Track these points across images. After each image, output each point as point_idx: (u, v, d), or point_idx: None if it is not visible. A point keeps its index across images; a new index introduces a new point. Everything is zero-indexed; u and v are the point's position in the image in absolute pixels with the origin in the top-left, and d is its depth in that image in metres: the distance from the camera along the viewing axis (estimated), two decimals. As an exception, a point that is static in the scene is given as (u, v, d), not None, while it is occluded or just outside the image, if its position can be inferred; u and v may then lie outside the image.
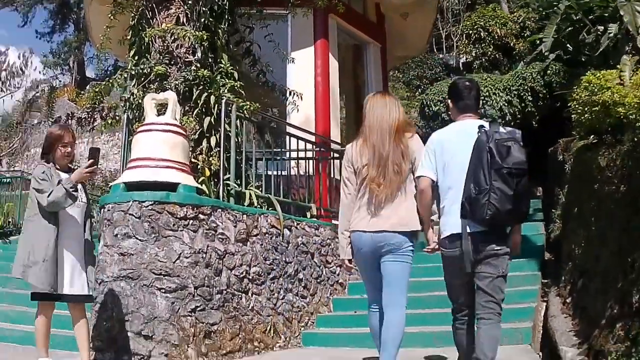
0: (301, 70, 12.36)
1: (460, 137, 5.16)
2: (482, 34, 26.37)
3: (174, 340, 6.79)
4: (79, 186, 6.16)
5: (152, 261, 6.97)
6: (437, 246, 5.30)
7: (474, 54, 26.80)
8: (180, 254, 7.09)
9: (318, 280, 9.36)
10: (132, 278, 6.94)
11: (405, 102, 23.05)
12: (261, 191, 9.08)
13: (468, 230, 4.89)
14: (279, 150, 10.65)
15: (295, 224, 9.14)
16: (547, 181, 13.94)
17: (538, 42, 11.56)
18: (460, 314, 5.20)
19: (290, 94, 11.41)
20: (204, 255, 7.33)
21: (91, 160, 6.08)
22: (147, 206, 7.09)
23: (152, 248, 7.01)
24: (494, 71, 24.50)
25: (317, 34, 12.75)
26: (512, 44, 25.58)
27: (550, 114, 18.72)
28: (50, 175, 5.99)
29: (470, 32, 26.90)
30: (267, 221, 8.53)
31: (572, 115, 8.19)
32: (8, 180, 18.07)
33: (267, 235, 8.47)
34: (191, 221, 7.28)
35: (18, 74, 45.00)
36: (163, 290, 6.90)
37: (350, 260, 5.55)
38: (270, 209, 8.95)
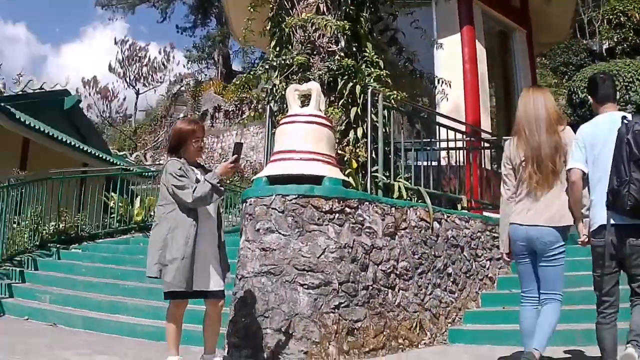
0: (448, 58, 11.85)
1: (606, 129, 5.13)
2: (621, 19, 25.23)
3: (314, 338, 6.38)
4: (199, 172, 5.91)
5: (295, 256, 6.57)
6: (587, 239, 5.28)
7: (615, 40, 26.12)
8: (325, 248, 6.65)
9: (467, 275, 8.73)
10: (273, 274, 6.58)
11: (553, 90, 22.11)
12: (410, 183, 8.56)
13: (612, 222, 4.88)
14: (428, 140, 10.06)
15: (445, 216, 8.54)
16: None
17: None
18: (604, 308, 5.06)
19: (438, 82, 10.72)
20: (350, 250, 6.86)
21: (235, 156, 5.75)
22: (291, 200, 6.71)
23: (296, 243, 6.61)
24: (635, 57, 23.44)
25: (463, 20, 12.24)
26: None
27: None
28: (186, 171, 5.70)
29: (611, 17, 25.88)
30: (416, 214, 7.98)
31: None
32: (152, 174, 18.16)
33: (415, 228, 7.92)
34: (337, 215, 6.83)
35: (160, 69, 46.20)
36: (306, 287, 6.50)
37: (508, 254, 5.72)
38: (419, 201, 8.42)
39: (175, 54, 54.11)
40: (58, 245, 12.65)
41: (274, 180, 6.91)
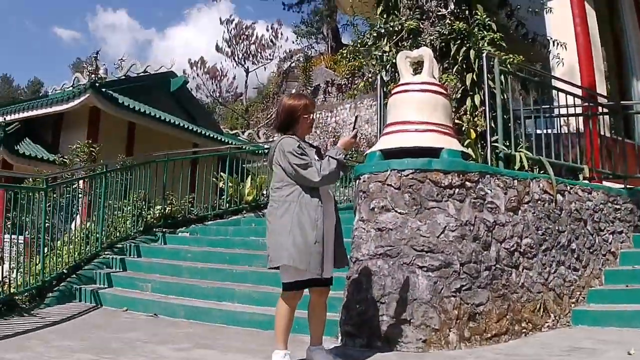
0: (559, 20, 10.48)
1: None
2: None
3: (434, 325, 5.41)
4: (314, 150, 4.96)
5: (414, 236, 5.57)
6: None
7: None
8: (445, 227, 5.63)
9: (590, 251, 7.53)
10: (390, 256, 5.60)
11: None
12: (531, 153, 7.37)
13: None
14: (547, 107, 8.82)
15: (568, 188, 7.35)
16: None
17: None
18: None
19: (553, 44, 9.37)
20: (471, 228, 5.81)
21: (356, 130, 4.96)
22: (407, 175, 5.70)
23: (414, 222, 5.61)
24: None
25: (570, -21, 10.80)
26: None
27: None
28: (304, 148, 4.78)
29: None
30: (539, 186, 6.83)
31: None
32: (264, 151, 16.99)
33: (539, 202, 6.77)
34: (457, 190, 5.78)
35: (269, 46, 45.37)
36: (425, 269, 5.51)
37: None
38: (541, 172, 7.29)
39: (283, 31, 53.28)
40: (164, 230, 11.53)
41: (388, 154, 5.94)
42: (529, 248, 6.44)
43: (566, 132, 8.56)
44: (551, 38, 9.53)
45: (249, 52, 45.62)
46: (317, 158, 4.79)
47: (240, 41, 45.50)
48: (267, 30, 46.47)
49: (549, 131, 8.25)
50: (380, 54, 8.14)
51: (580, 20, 10.90)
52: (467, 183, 5.85)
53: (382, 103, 7.88)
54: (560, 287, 6.85)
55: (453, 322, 5.48)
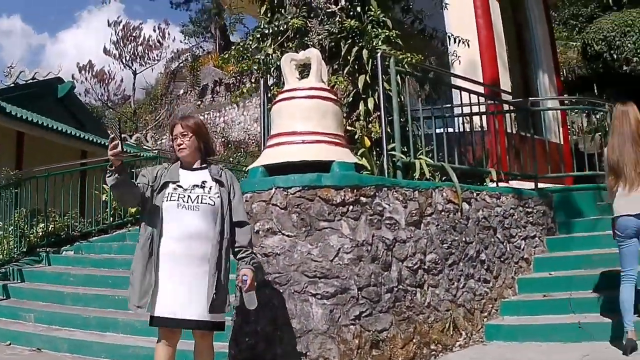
0: (459, 14, 10.56)
1: None
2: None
3: (333, 357, 5.21)
4: (206, 177, 4.66)
5: (304, 261, 5.35)
6: None
7: None
8: (339, 249, 5.41)
9: (502, 259, 7.54)
10: (279, 283, 5.39)
11: (562, 43, 20.85)
12: (432, 159, 7.29)
13: None
14: (449, 106, 8.77)
15: (475, 195, 7.31)
16: None
17: None
18: None
19: (455, 40, 9.30)
20: (369, 248, 5.63)
21: (113, 137, 4.41)
22: (294, 193, 5.46)
23: (304, 245, 5.39)
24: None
25: (473, -31, 10.89)
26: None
27: None
28: (152, 171, 4.69)
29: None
30: (442, 196, 6.74)
31: None
32: (153, 155, 16.33)
33: (443, 213, 6.68)
34: (351, 207, 5.57)
35: (156, 47, 45.38)
36: (319, 297, 5.29)
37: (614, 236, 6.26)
38: (444, 179, 7.25)
39: (170, 30, 53.15)
40: (48, 249, 11.15)
41: (272, 169, 5.71)
42: (433, 264, 6.34)
43: (470, 133, 8.49)
44: (451, 34, 9.46)
45: (136, 53, 45.33)
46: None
47: (128, 42, 45.12)
48: (155, 30, 46.20)
49: (452, 133, 8.20)
50: (263, 57, 7.88)
51: (483, 13, 11.02)
52: (362, 199, 5.66)
53: (266, 111, 7.63)
54: (471, 302, 6.82)
55: (354, 353, 5.30)
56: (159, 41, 45.26)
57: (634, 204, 6.00)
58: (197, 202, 4.47)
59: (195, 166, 4.70)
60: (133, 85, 46.58)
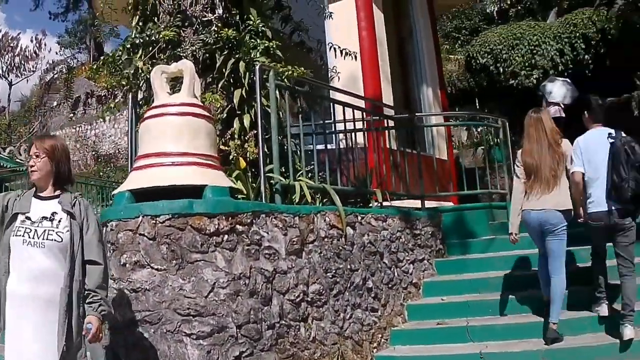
0: (342, 25, 10.52)
1: (596, 140, 6.97)
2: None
3: (212, 404, 4.98)
4: (56, 208, 4.38)
5: (176, 298, 5.11)
6: (585, 219, 7.01)
7: (509, 2, 25.96)
8: (214, 283, 5.20)
9: (389, 286, 7.55)
10: (150, 322, 5.11)
11: (443, 56, 21.37)
12: (313, 180, 7.18)
13: (613, 208, 6.67)
14: (331, 121, 8.69)
15: (359, 218, 7.26)
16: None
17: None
18: (599, 256, 7.06)
19: (341, 52, 9.24)
20: (247, 281, 5.44)
21: None
22: (164, 222, 5.19)
23: (175, 280, 5.14)
24: (527, 19, 23.74)
25: (357, -20, 10.93)
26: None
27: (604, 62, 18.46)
28: (3, 200, 4.40)
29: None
30: (325, 221, 6.63)
31: None
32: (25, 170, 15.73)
33: (326, 239, 6.58)
34: (226, 236, 5.36)
35: (32, 57, 44.83)
36: (194, 336, 5.06)
37: (515, 234, 7.29)
38: (326, 201, 7.18)
39: (48, 41, 52.40)
40: None
41: (140, 195, 5.42)
42: (317, 295, 6.23)
43: (353, 150, 8.41)
44: (337, 45, 9.39)
45: (13, 64, 44.51)
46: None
47: (5, 53, 44.23)
48: (32, 41, 45.60)
49: (335, 151, 8.11)
50: (132, 70, 7.57)
51: (367, 25, 11.06)
52: (238, 227, 5.47)
53: (135, 129, 7.32)
54: (359, 333, 6.77)
55: (235, 398, 5.11)
56: (35, 52, 44.91)
57: (537, 201, 6.98)
58: (43, 238, 4.19)
59: (47, 194, 4.42)
60: (8, 96, 46.58)
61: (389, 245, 7.66)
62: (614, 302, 6.89)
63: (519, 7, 25.10)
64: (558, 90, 12.50)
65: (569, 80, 10.50)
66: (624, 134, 6.84)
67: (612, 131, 6.88)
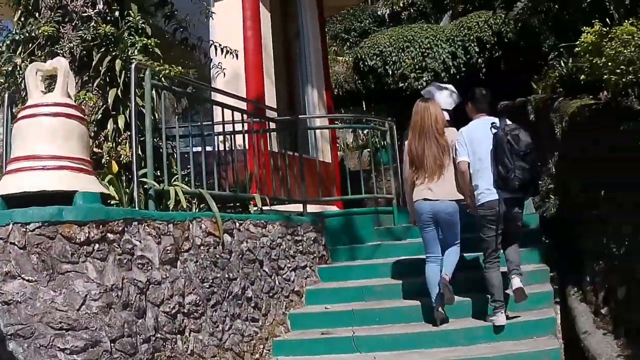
0: (227, 23, 10.51)
1: (479, 131, 7.26)
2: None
3: (83, 421, 4.90)
4: None
5: (48, 311, 4.96)
6: (474, 209, 7.34)
7: (402, 4, 26.18)
8: (86, 296, 5.09)
9: (270, 295, 7.59)
10: (23, 336, 4.92)
11: (331, 57, 21.58)
12: (189, 185, 7.12)
13: (499, 197, 6.95)
14: (209, 123, 8.69)
15: (238, 224, 7.26)
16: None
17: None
18: (493, 257, 7.16)
19: (222, 50, 9.19)
20: (119, 293, 5.35)
21: None
22: (34, 230, 5.03)
23: (46, 292, 5.00)
24: (419, 21, 24.22)
25: (244, -22, 10.95)
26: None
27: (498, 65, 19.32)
28: None
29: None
30: (201, 228, 6.59)
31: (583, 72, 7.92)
32: None
33: (202, 247, 6.54)
34: (97, 246, 5.26)
35: None
36: (68, 352, 4.92)
37: (415, 223, 7.72)
38: (203, 207, 7.16)
39: None
40: None
41: (11, 200, 5.31)
42: (194, 306, 6.20)
43: (232, 153, 8.39)
44: (218, 43, 9.33)
45: None
46: None
47: None
48: None
49: (213, 154, 8.08)
50: (11, 68, 7.35)
51: (252, 24, 11.09)
52: (109, 235, 5.38)
53: (9, 129, 7.11)
54: (239, 345, 6.78)
55: (106, 414, 5.02)
56: None
57: (429, 191, 7.28)
58: None
59: None
60: None
61: (269, 253, 7.69)
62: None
63: (412, 10, 25.47)
64: (439, 96, 12.79)
65: (451, 86, 10.76)
66: (509, 122, 7.12)
67: (496, 120, 7.17)
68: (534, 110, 11.34)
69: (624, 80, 6.84)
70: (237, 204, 8.22)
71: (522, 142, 6.84)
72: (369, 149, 14.96)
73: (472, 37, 19.40)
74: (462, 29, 19.82)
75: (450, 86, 11.59)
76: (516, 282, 6.93)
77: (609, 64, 6.84)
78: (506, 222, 7.04)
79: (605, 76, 7.05)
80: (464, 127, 7.46)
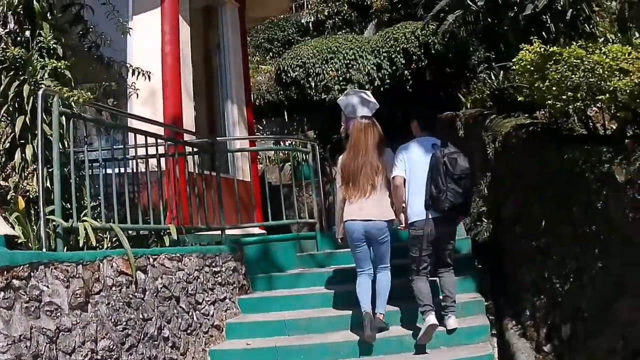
0: (146, 38, 10.41)
1: (420, 149, 7.64)
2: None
3: None
4: None
5: (-55, 370, 4.84)
6: (405, 226, 7.71)
7: (326, 13, 26.39)
8: (-8, 348, 4.98)
9: (188, 332, 7.49)
10: None
11: (253, 67, 21.56)
12: (100, 219, 6.94)
13: (430, 217, 7.37)
14: (121, 147, 8.54)
15: (151, 260, 7.11)
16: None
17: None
18: (423, 270, 7.50)
19: (133, 72, 9.07)
20: (28, 344, 5.18)
21: None
22: None
23: (-57, 348, 4.87)
24: (344, 31, 24.68)
25: (164, -9, 10.87)
26: (368, 2, 25.04)
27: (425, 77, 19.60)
28: None
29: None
30: (112, 267, 6.43)
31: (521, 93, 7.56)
32: None
33: (114, 288, 6.40)
34: (2, 294, 5.07)
35: None
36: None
37: (342, 239, 8.02)
38: (115, 242, 7.02)
39: None
40: None
41: None
42: (108, 352, 6.07)
43: (147, 181, 8.25)
44: (130, 64, 9.20)
45: None
46: None
47: None
48: None
49: (127, 182, 7.93)
50: None
51: (171, 39, 10.95)
52: (14, 282, 5.20)
53: None
54: (157, 387, 6.64)
55: None
56: None
57: (361, 210, 7.58)
58: None
59: None
60: None
61: (185, 287, 7.61)
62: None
63: (336, 19, 25.67)
64: (356, 105, 12.70)
65: (368, 93, 10.82)
66: (451, 146, 7.48)
67: (438, 141, 7.64)
68: (463, 126, 11.22)
69: (570, 107, 6.55)
70: (154, 236, 8.11)
71: (458, 166, 7.21)
72: (290, 163, 15.00)
73: (398, 49, 19.64)
74: (388, 40, 20.05)
75: (367, 92, 11.66)
76: (451, 322, 7.40)
77: (554, 88, 6.39)
78: (436, 242, 7.44)
79: (549, 101, 6.65)
80: (404, 144, 7.81)
